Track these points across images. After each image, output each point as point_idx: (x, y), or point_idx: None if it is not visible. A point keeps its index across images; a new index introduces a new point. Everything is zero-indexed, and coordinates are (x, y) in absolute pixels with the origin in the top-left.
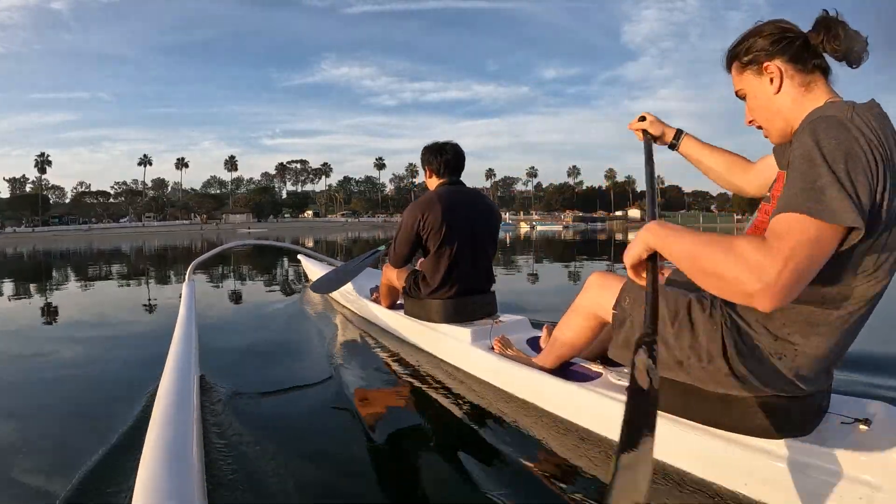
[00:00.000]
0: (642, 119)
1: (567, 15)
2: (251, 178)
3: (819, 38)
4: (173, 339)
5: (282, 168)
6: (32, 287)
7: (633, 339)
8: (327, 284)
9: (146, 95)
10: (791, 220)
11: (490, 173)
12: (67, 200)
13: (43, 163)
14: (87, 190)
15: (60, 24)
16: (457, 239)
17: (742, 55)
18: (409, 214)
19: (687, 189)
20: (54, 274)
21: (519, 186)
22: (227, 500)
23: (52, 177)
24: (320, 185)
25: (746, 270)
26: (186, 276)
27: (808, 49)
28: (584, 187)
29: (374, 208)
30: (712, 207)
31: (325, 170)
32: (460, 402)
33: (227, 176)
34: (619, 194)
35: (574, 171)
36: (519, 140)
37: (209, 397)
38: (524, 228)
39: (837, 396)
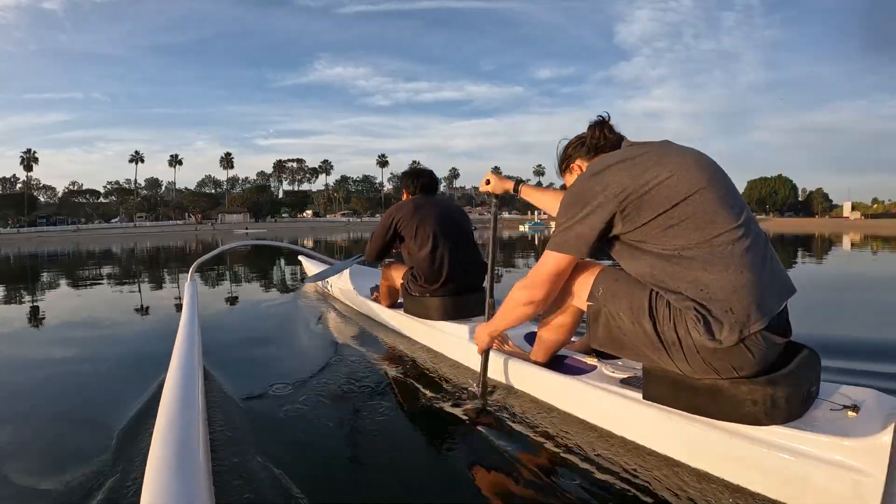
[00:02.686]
0: (487, 183)
1: (561, 15)
2: (246, 178)
3: (590, 138)
4: (177, 338)
5: (279, 165)
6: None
7: (612, 330)
8: (317, 277)
9: (140, 96)
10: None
11: (496, 171)
12: (65, 202)
13: (29, 160)
14: (75, 188)
15: (54, 24)
16: (431, 230)
17: (562, 165)
18: (386, 213)
19: None
20: (42, 277)
21: None
22: (233, 498)
23: (45, 177)
24: (317, 185)
25: (522, 306)
26: (188, 276)
27: (591, 144)
28: None
29: (375, 208)
30: None
31: (326, 167)
32: (459, 397)
33: (222, 175)
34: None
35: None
36: (514, 140)
37: (214, 396)
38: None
39: (827, 384)
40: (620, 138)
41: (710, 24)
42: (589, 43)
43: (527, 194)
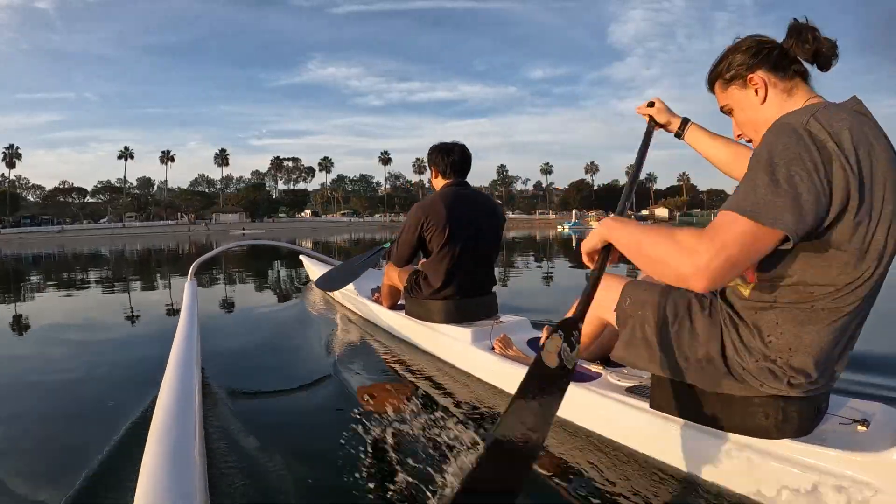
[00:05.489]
0: (651, 104)
1: (554, 15)
2: (241, 177)
3: (792, 44)
4: (175, 339)
5: (277, 162)
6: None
7: (635, 341)
8: (331, 282)
9: (132, 96)
10: (728, 217)
11: (502, 169)
12: (49, 201)
13: (12, 156)
14: (61, 187)
15: (46, 23)
16: (460, 240)
17: (724, 72)
18: (413, 215)
19: (702, 188)
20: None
21: (518, 185)
22: (229, 499)
23: (37, 177)
24: (313, 185)
25: (683, 255)
26: (188, 277)
27: (786, 56)
28: (602, 184)
29: (374, 207)
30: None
31: (326, 164)
32: (460, 402)
33: (216, 173)
34: (638, 193)
35: (592, 168)
36: (508, 140)
37: (211, 397)
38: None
39: (836, 397)
40: (829, 63)
41: (704, 24)
42: (582, 43)
43: (695, 140)
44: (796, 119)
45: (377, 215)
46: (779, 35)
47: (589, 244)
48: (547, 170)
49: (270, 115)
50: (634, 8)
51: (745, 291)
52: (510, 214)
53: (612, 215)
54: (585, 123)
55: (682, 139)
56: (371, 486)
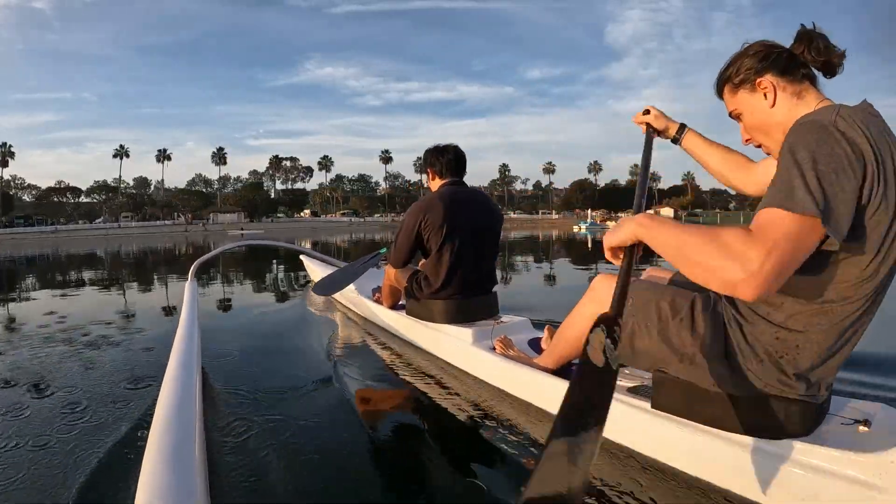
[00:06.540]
0: (646, 112)
1: (551, 15)
2: (238, 177)
3: (801, 49)
4: (176, 338)
5: (276, 162)
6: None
7: (637, 340)
8: (329, 286)
9: (130, 96)
10: (772, 214)
11: (504, 169)
12: (44, 201)
13: (5, 154)
14: (55, 186)
15: (43, 23)
16: (458, 240)
17: (733, 77)
18: (410, 215)
19: (705, 188)
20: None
21: (518, 185)
22: (229, 499)
23: (33, 177)
24: (311, 185)
25: (731, 259)
26: (189, 277)
27: (794, 61)
28: (605, 184)
29: (374, 207)
30: (730, 206)
31: (326, 163)
32: (461, 402)
33: (213, 173)
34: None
35: (596, 167)
36: (505, 140)
37: (212, 396)
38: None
39: (837, 397)
40: (835, 70)
41: (701, 24)
42: (580, 43)
43: (692, 145)
44: (824, 116)
45: (376, 215)
46: (778, 35)
47: (616, 239)
48: (550, 169)
49: (268, 115)
50: (632, 8)
51: None
52: (511, 214)
53: (644, 212)
54: (583, 124)
55: (679, 145)
56: (372, 486)
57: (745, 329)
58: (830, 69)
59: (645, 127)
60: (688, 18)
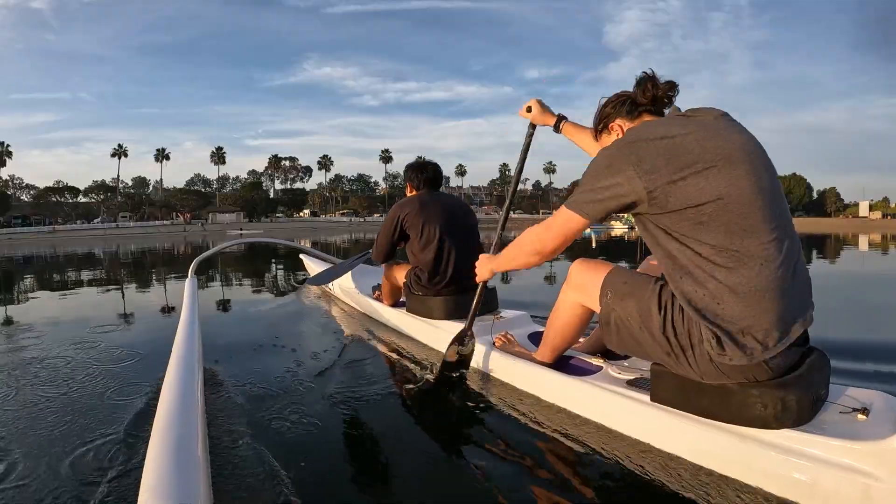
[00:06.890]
0: (529, 109)
1: (549, 15)
2: (237, 177)
3: (637, 94)
4: (177, 335)
5: (275, 161)
6: None
7: (622, 332)
8: (322, 279)
9: (128, 96)
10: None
11: (504, 168)
12: (41, 201)
13: (2, 154)
14: (53, 186)
15: (41, 23)
16: (437, 227)
17: (599, 125)
18: (390, 211)
19: None
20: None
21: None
22: (232, 496)
23: (32, 177)
24: (310, 184)
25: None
26: (189, 274)
27: (635, 103)
28: None
29: (373, 207)
30: None
31: (326, 162)
32: (462, 398)
33: (212, 173)
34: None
35: None
36: (503, 140)
37: (213, 393)
38: (622, 230)
39: (836, 386)
40: (669, 98)
41: (699, 24)
42: (578, 43)
43: (569, 133)
44: (620, 137)
45: (376, 215)
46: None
47: (483, 276)
48: (550, 169)
49: (266, 115)
50: (630, 8)
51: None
52: (512, 214)
53: (486, 255)
54: (582, 123)
55: (561, 133)
56: (374, 483)
57: (690, 316)
58: (659, 102)
59: (530, 129)
60: (686, 19)
